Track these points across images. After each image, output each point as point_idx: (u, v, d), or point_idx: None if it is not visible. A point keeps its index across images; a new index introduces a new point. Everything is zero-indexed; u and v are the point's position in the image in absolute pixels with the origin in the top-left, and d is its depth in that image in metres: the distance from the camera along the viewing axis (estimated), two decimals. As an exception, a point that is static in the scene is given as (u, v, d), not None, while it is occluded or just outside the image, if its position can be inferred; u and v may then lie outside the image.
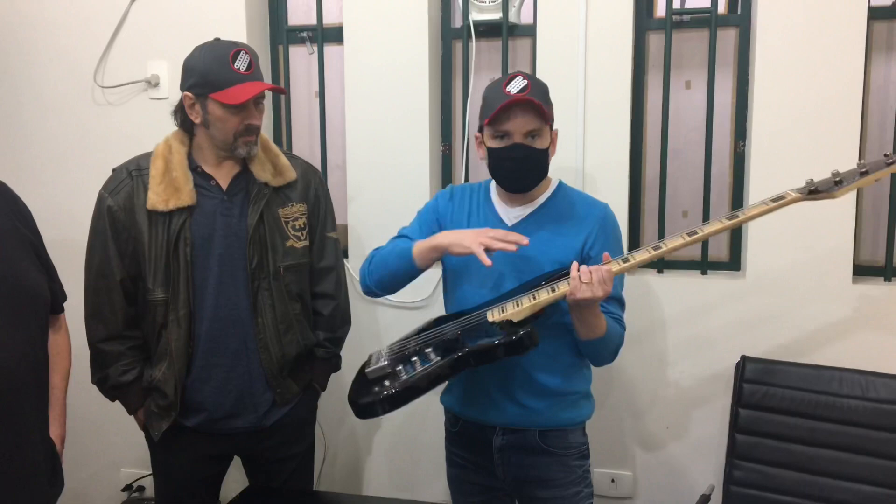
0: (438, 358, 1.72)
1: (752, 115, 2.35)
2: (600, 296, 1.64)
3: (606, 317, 1.78)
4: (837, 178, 1.68)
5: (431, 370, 1.70)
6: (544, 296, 1.70)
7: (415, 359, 1.75)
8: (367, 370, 1.81)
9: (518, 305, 1.72)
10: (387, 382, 1.74)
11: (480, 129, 1.87)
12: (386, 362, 1.81)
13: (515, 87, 1.78)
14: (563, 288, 1.68)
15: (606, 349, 1.83)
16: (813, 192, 1.69)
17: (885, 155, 1.69)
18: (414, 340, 1.83)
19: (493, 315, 1.74)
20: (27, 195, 1.76)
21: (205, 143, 1.97)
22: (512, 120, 1.78)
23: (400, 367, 1.76)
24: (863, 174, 1.68)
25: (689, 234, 1.68)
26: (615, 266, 1.67)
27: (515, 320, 1.71)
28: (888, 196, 2.39)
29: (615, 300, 1.86)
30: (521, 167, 1.82)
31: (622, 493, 2.56)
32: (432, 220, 1.97)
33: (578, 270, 1.65)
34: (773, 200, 1.69)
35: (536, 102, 1.76)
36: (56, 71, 2.81)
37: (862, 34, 2.22)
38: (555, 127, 1.88)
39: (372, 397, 1.73)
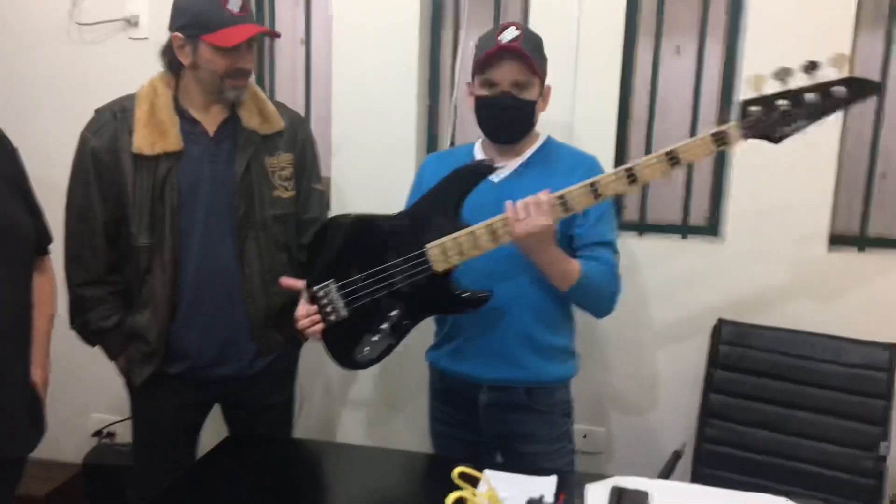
0: (401, 320, 1.79)
1: (741, 81, 2.37)
2: (537, 230, 1.62)
3: (585, 261, 1.78)
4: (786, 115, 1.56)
5: (398, 336, 1.80)
6: (486, 244, 1.70)
7: (384, 325, 1.79)
8: (330, 319, 1.83)
9: (461, 255, 1.71)
10: (370, 351, 1.81)
11: (472, 78, 1.87)
12: (346, 313, 1.81)
13: (507, 36, 1.77)
14: (503, 233, 1.67)
15: (593, 294, 1.81)
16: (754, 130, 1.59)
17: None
18: (363, 285, 1.80)
19: (437, 263, 1.73)
20: (-2, 134, 1.70)
21: (193, 86, 1.93)
22: (499, 68, 1.77)
23: (367, 337, 1.81)
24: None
25: (627, 172, 1.62)
26: (545, 197, 1.63)
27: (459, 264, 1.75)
28: (866, 168, 2.44)
29: (603, 245, 1.83)
30: (505, 116, 1.82)
31: (595, 448, 2.62)
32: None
33: (514, 210, 1.65)
34: (715, 139, 1.59)
35: (525, 53, 1.75)
36: (31, 5, 2.71)
37: (852, 5, 2.25)
38: (547, 83, 1.87)
39: (351, 360, 1.84)
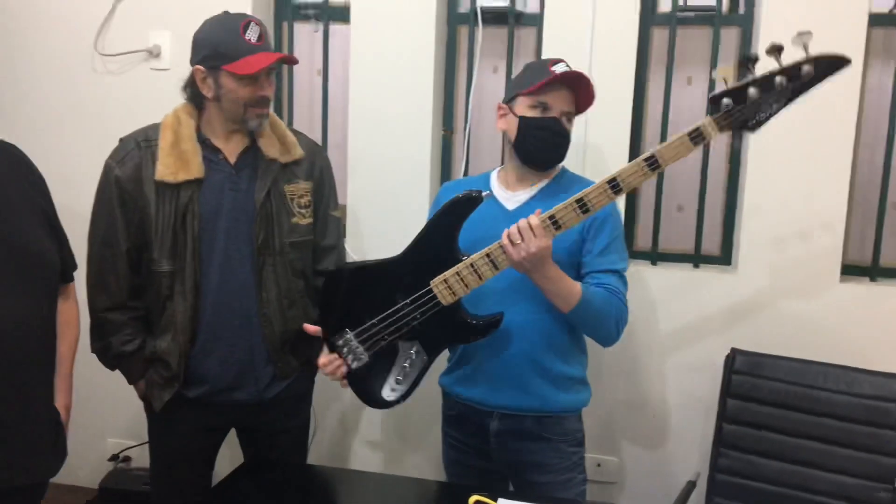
0: (420, 355, 1.84)
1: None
2: (534, 251, 1.66)
3: (588, 285, 1.80)
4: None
5: (421, 371, 1.86)
6: (488, 273, 1.74)
7: (405, 363, 1.85)
8: (352, 366, 1.88)
9: (466, 286, 1.75)
10: (396, 389, 1.87)
11: (509, 101, 1.91)
12: (366, 358, 1.86)
13: (561, 68, 1.85)
14: (502, 259, 1.71)
15: (596, 318, 1.81)
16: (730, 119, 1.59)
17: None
18: (378, 329, 1.84)
19: (444, 297, 1.77)
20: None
21: (215, 117, 1.97)
22: (556, 94, 1.84)
23: (392, 377, 1.87)
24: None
25: (609, 183, 1.65)
26: (536, 220, 1.68)
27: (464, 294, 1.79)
28: (877, 198, 2.46)
29: (611, 272, 1.85)
30: (552, 140, 1.87)
31: (608, 477, 2.62)
32: None
33: (509, 236, 1.69)
34: (692, 137, 1.61)
35: (587, 81, 1.83)
36: (56, 36, 2.78)
37: (862, 39, 2.28)
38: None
39: (380, 400, 1.89)
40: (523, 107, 1.87)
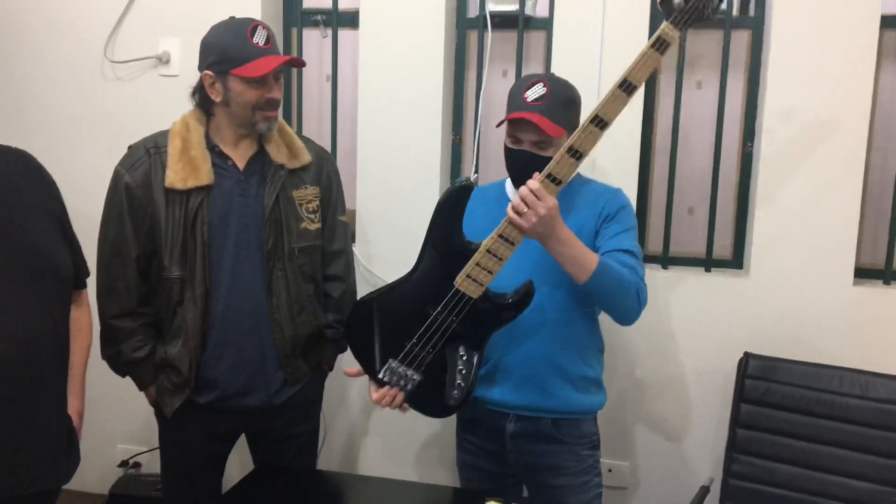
0: (473, 353, 1.83)
1: (762, 116, 2.39)
2: (543, 213, 1.65)
3: (605, 256, 1.78)
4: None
5: (476, 367, 1.83)
6: (506, 252, 1.73)
7: (459, 367, 1.83)
8: (408, 390, 1.86)
9: (490, 272, 1.74)
10: (458, 392, 1.84)
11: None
12: (418, 377, 1.84)
13: (533, 94, 1.81)
14: (515, 234, 1.70)
15: (615, 287, 1.76)
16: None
17: None
18: (420, 347, 1.83)
19: (472, 291, 1.76)
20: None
21: (224, 122, 1.97)
22: (520, 130, 1.83)
23: (450, 383, 1.83)
24: None
25: (593, 122, 1.65)
26: (535, 184, 1.67)
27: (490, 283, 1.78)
28: (890, 200, 2.44)
29: (626, 252, 1.82)
30: (525, 170, 1.83)
31: (620, 483, 2.60)
32: None
33: (514, 208, 1.68)
34: (656, 47, 1.64)
35: (544, 122, 1.77)
36: (66, 43, 2.79)
37: (874, 41, 2.27)
38: None
39: (446, 408, 1.87)
40: (505, 133, 1.88)
